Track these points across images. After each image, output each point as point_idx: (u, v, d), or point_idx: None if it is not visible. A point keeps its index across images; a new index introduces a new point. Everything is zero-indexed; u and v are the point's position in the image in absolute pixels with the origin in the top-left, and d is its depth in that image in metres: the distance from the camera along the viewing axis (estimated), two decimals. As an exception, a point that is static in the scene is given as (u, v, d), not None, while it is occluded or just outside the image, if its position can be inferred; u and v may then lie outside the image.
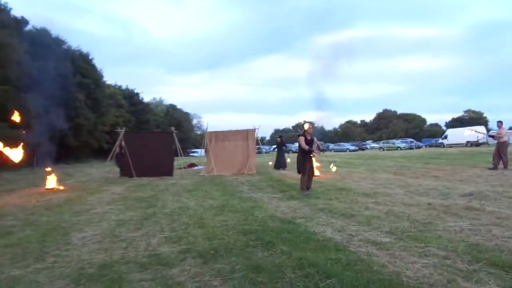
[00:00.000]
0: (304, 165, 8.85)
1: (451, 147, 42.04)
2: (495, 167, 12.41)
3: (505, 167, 12.32)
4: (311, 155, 9.03)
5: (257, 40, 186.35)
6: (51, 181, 11.77)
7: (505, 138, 12.84)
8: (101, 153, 33.43)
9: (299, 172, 9.12)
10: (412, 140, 55.35)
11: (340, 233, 4.84)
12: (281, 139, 18.55)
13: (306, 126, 9.17)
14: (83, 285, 3.30)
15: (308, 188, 8.82)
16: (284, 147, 18.70)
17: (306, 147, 8.79)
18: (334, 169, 14.27)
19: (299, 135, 9.11)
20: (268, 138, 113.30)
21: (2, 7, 22.57)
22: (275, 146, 18.39)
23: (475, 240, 4.27)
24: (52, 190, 11.29)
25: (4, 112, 18.90)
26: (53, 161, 12.86)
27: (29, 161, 21.33)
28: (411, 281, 3.16)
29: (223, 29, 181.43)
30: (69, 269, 3.76)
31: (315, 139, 9.18)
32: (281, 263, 3.69)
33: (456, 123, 73.65)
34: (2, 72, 19.12)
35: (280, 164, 16.90)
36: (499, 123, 12.87)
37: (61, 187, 11.75)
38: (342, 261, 3.70)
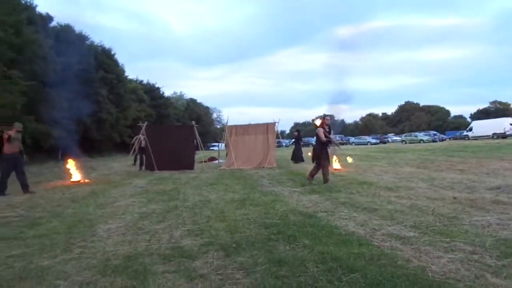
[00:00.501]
0: (324, 157, 9.04)
1: (477, 139, 40.93)
2: None
3: None
4: (328, 147, 9.14)
5: (277, 33, 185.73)
6: (76, 174, 12.05)
7: None
8: (123, 147, 33.99)
9: (313, 161, 9.48)
10: (435, 132, 54.26)
11: (362, 227, 4.79)
12: (298, 133, 18.45)
13: (317, 122, 9.45)
14: (109, 276, 3.36)
15: (326, 180, 8.90)
16: (301, 141, 18.63)
17: (325, 138, 8.93)
18: (350, 160, 14.38)
19: (318, 127, 9.22)
20: (288, 131, 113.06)
21: (28, 4, 23.08)
22: (293, 140, 18.31)
23: (503, 235, 4.16)
24: (77, 183, 11.56)
25: (31, 107, 19.47)
26: (77, 154, 13.15)
27: (54, 155, 21.99)
28: (437, 276, 3.10)
29: (242, 22, 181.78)
30: (95, 260, 3.85)
31: (332, 132, 9.20)
32: (303, 257, 3.68)
33: (482, 114, 71.77)
34: (29, 68, 19.60)
35: (297, 157, 16.85)
36: None
37: (86, 180, 12.02)
38: (365, 255, 3.66)
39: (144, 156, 16.16)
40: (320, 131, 9.02)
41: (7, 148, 9.35)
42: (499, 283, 2.92)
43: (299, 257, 3.68)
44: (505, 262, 3.35)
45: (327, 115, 9.43)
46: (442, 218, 5.07)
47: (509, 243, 3.85)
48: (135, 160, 18.24)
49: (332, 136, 9.22)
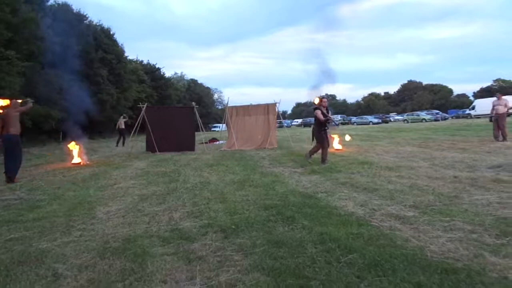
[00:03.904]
0: (321, 137, 9.16)
1: (479, 118, 40.64)
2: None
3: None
4: (326, 128, 9.23)
5: (278, 12, 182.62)
6: (77, 156, 12.04)
7: None
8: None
9: (312, 140, 9.76)
10: (438, 111, 53.99)
11: (362, 207, 4.78)
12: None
13: (316, 101, 9.46)
14: (108, 259, 3.37)
15: (324, 160, 9.00)
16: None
17: (323, 117, 9.05)
18: (348, 138, 14.48)
19: (315, 108, 9.24)
20: (289, 112, 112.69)
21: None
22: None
23: (503, 214, 4.15)
24: (78, 165, 11.56)
25: (30, 88, 19.33)
26: (79, 136, 13.11)
27: (55, 136, 21.99)
28: (436, 256, 3.09)
29: (244, 0, 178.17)
30: (94, 242, 3.85)
31: (330, 112, 9.21)
32: (302, 238, 3.68)
33: (485, 93, 71.06)
34: (26, 48, 19.33)
35: None
36: None
37: (87, 162, 12.02)
38: (364, 235, 3.65)
39: (122, 137, 20.88)
40: (318, 112, 9.10)
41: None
42: (497, 262, 2.92)
43: (298, 238, 3.67)
44: (504, 241, 3.34)
45: (325, 96, 9.39)
46: (442, 197, 5.06)
47: (508, 222, 3.84)
48: (117, 141, 21.37)
49: (331, 116, 9.23)
